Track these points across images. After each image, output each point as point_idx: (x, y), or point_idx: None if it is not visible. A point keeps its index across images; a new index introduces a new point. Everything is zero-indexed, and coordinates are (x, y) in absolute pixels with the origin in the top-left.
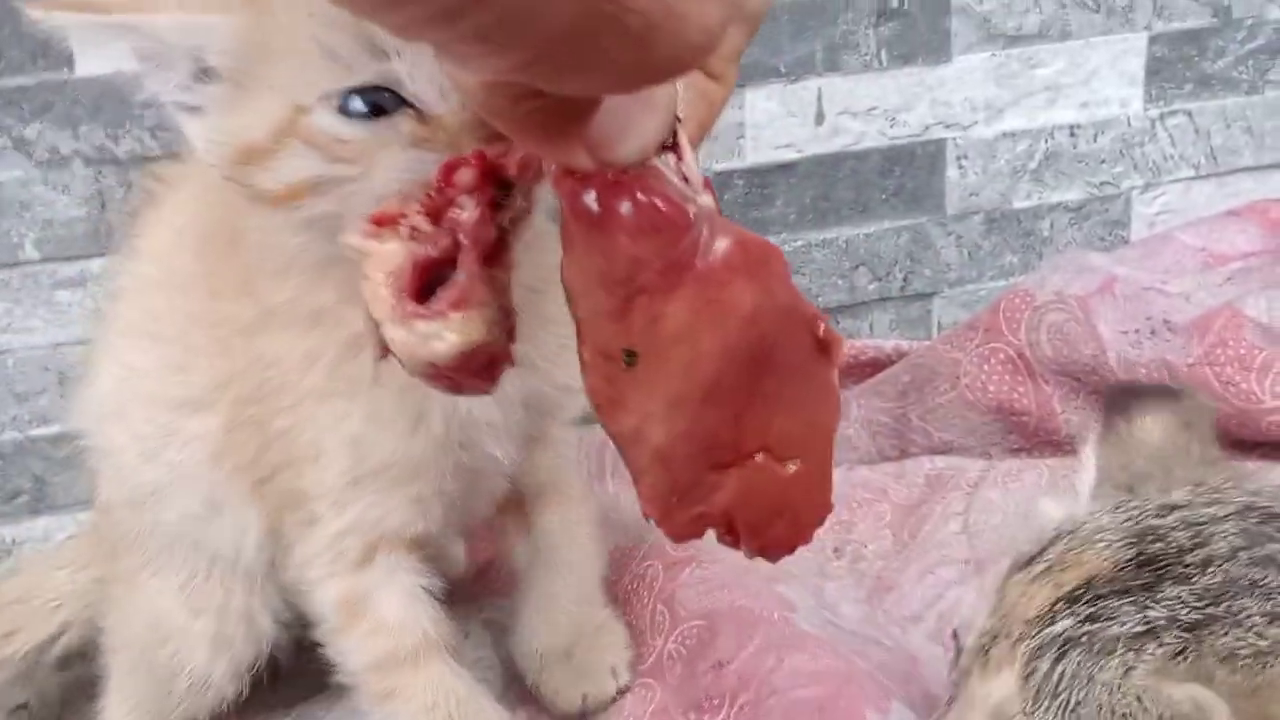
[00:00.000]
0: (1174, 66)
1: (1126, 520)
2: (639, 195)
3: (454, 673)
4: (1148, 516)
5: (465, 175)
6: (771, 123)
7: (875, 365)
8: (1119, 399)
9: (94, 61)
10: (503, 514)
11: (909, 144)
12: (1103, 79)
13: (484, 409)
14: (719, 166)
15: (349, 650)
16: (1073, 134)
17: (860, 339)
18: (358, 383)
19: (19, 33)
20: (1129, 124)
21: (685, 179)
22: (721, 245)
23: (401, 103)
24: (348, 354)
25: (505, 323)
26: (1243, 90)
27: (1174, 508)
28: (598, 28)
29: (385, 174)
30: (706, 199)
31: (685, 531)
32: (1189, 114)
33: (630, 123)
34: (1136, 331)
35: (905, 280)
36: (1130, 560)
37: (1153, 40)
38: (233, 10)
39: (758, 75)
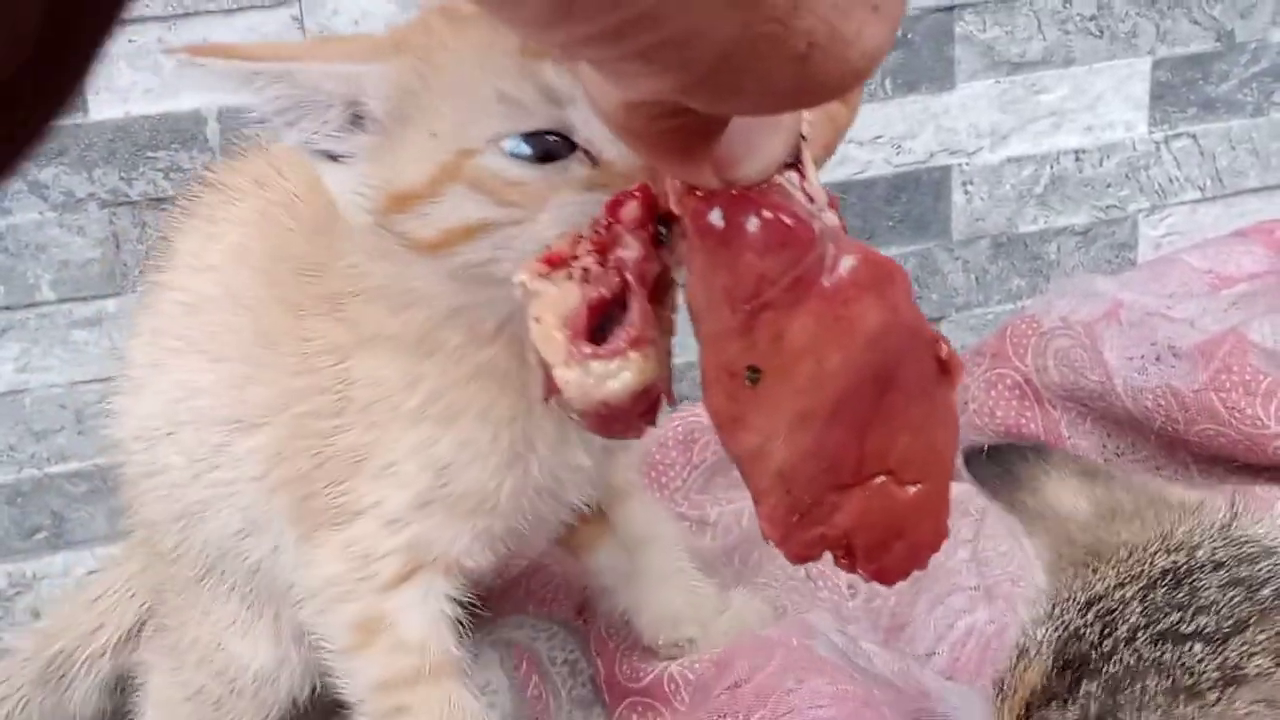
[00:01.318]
0: (1178, 90)
1: (1054, 630)
2: (764, 211)
3: (468, 692)
4: (1072, 620)
5: (631, 209)
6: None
7: None
8: (994, 480)
9: (108, 105)
10: (566, 543)
11: (914, 171)
12: (1107, 104)
13: (577, 456)
14: None
15: (358, 669)
16: (1078, 158)
17: None
18: (459, 413)
19: None
20: (1134, 147)
21: (810, 197)
22: (848, 262)
23: (573, 148)
24: (457, 386)
25: (668, 361)
26: (1247, 113)
27: (1093, 601)
28: (762, 49)
29: (555, 217)
30: (831, 217)
31: (805, 553)
32: (1194, 137)
33: (756, 142)
34: (1142, 358)
35: None
36: (1053, 669)
37: (1156, 65)
38: (386, 58)
39: None
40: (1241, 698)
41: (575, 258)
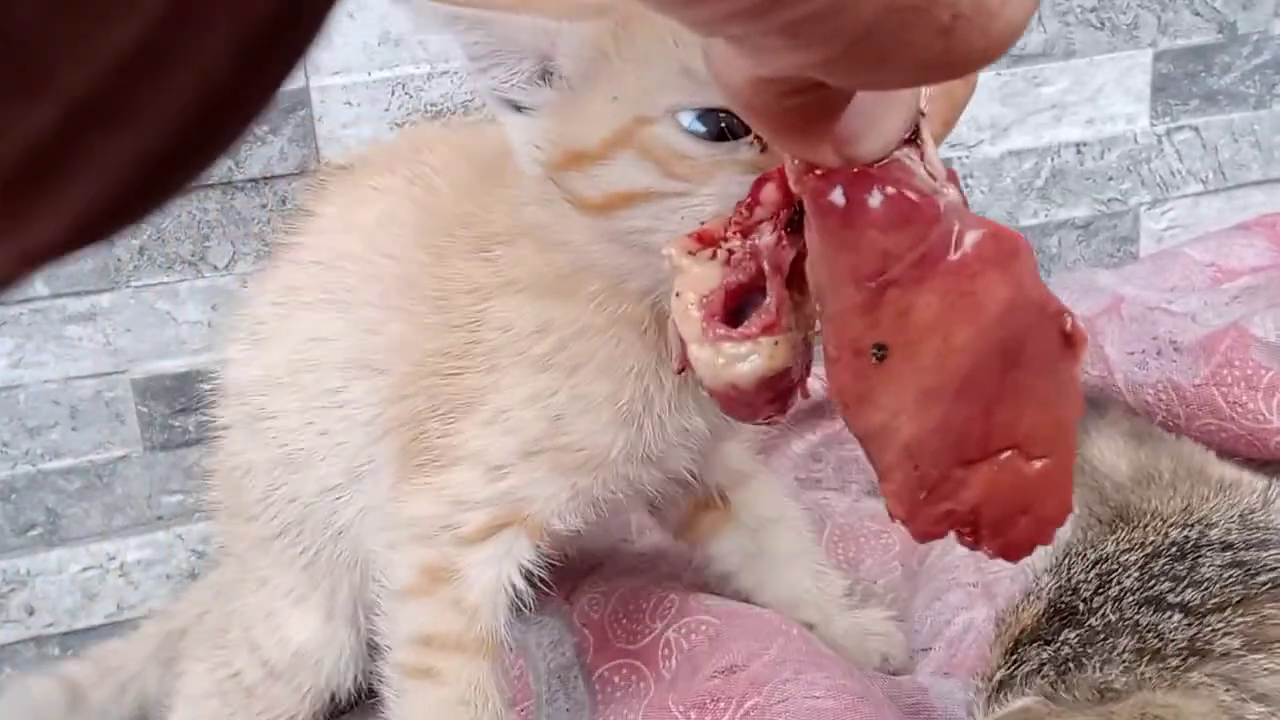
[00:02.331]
0: (1180, 83)
1: (1057, 578)
2: (887, 188)
3: (495, 681)
4: (1076, 572)
5: (769, 190)
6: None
7: None
8: None
9: None
10: (686, 534)
11: None
12: (1108, 96)
13: (694, 421)
14: None
15: (407, 615)
16: (1079, 151)
17: None
18: (582, 364)
19: None
20: (1136, 140)
21: (931, 174)
22: (972, 237)
23: (748, 130)
24: (585, 335)
25: (805, 354)
26: (1250, 105)
27: (1099, 561)
28: (907, 21)
29: (716, 194)
30: (953, 192)
31: (932, 530)
32: (1196, 129)
33: (875, 118)
34: (1143, 352)
35: None
36: (1044, 613)
37: (1158, 57)
38: (586, 18)
39: None
40: (1200, 669)
41: (725, 238)
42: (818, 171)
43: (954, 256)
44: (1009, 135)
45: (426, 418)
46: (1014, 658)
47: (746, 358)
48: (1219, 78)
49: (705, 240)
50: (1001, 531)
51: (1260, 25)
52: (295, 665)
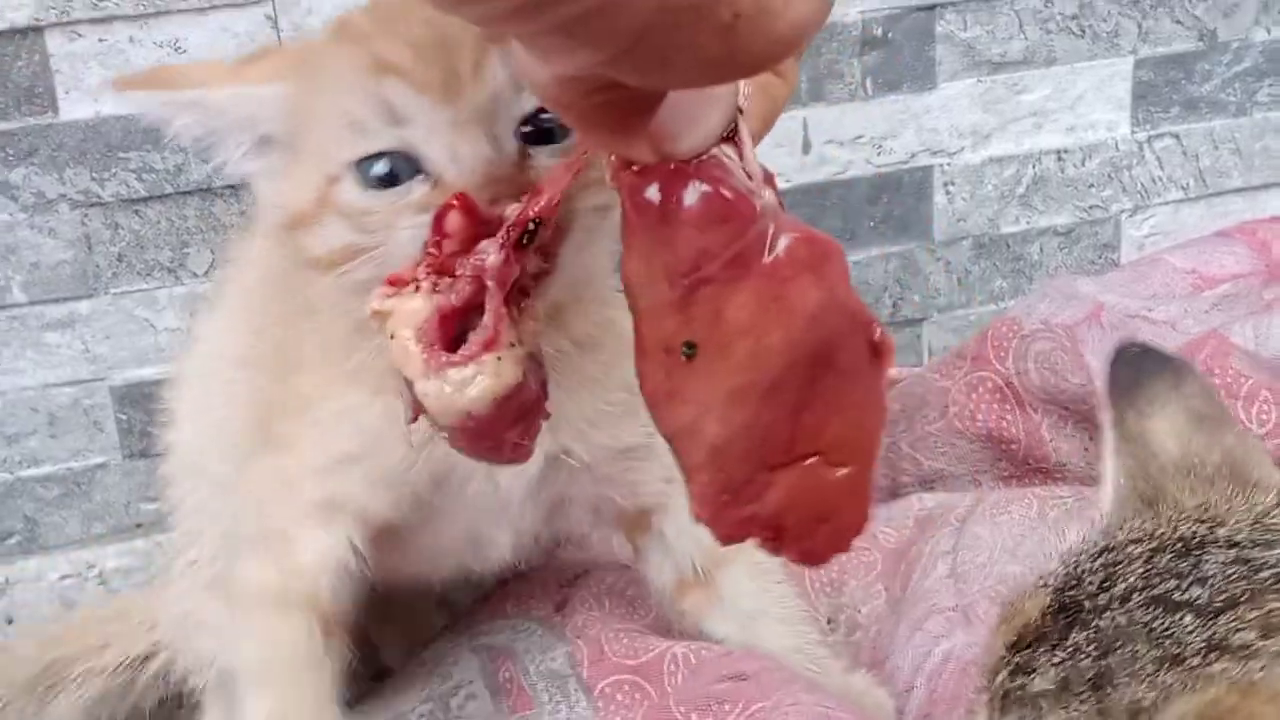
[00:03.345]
0: (1160, 90)
1: (1065, 566)
2: (703, 185)
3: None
4: (1082, 562)
5: (454, 220)
6: (759, 153)
7: None
8: (1122, 382)
9: (79, 105)
10: (675, 608)
11: (896, 171)
12: (1089, 104)
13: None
14: None
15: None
16: (1060, 158)
17: None
18: (385, 387)
19: (2, 78)
20: (1117, 148)
21: (748, 173)
22: (787, 239)
23: (418, 170)
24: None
25: (538, 372)
26: (1230, 112)
27: (1104, 550)
28: (686, 21)
29: (404, 239)
30: (770, 194)
31: (735, 532)
32: (1177, 136)
33: (692, 115)
34: None
35: (895, 306)
36: (1050, 607)
37: (1139, 64)
38: (285, 78)
39: None
40: (1219, 664)
41: (415, 279)
42: (634, 168)
43: (768, 258)
44: (990, 142)
45: (273, 405)
46: (1019, 660)
47: (474, 380)
48: (1199, 85)
49: (398, 284)
50: (802, 538)
51: (1240, 33)
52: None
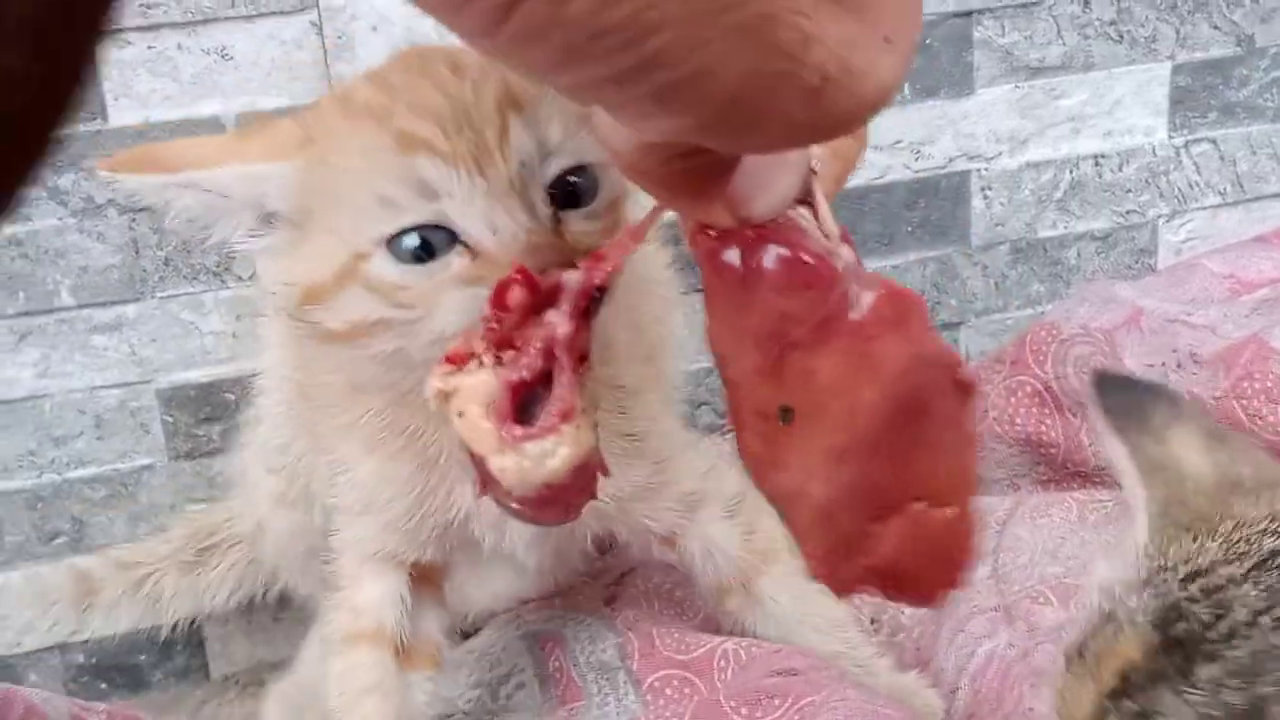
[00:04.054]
0: (1198, 95)
1: (1154, 598)
2: (782, 249)
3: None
4: (1173, 590)
5: (516, 294)
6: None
7: None
8: (1123, 412)
9: (127, 112)
10: (718, 605)
11: (934, 176)
12: (1126, 109)
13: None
14: None
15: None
16: (1097, 163)
17: None
18: (379, 444)
19: None
20: (1154, 153)
21: (825, 233)
22: (869, 297)
23: (454, 241)
24: (378, 418)
25: (597, 431)
26: (1268, 117)
27: (1196, 574)
28: (775, 86)
29: (445, 314)
30: (848, 252)
31: (852, 586)
32: (1214, 141)
33: (767, 179)
34: (1163, 364)
35: (932, 311)
36: (1159, 644)
37: (1176, 70)
38: (291, 156)
39: None
40: None
41: (474, 354)
42: (712, 232)
43: (853, 317)
44: (1027, 147)
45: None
46: (1137, 706)
47: (555, 451)
48: (1237, 90)
49: (458, 360)
50: (917, 582)
51: (1278, 38)
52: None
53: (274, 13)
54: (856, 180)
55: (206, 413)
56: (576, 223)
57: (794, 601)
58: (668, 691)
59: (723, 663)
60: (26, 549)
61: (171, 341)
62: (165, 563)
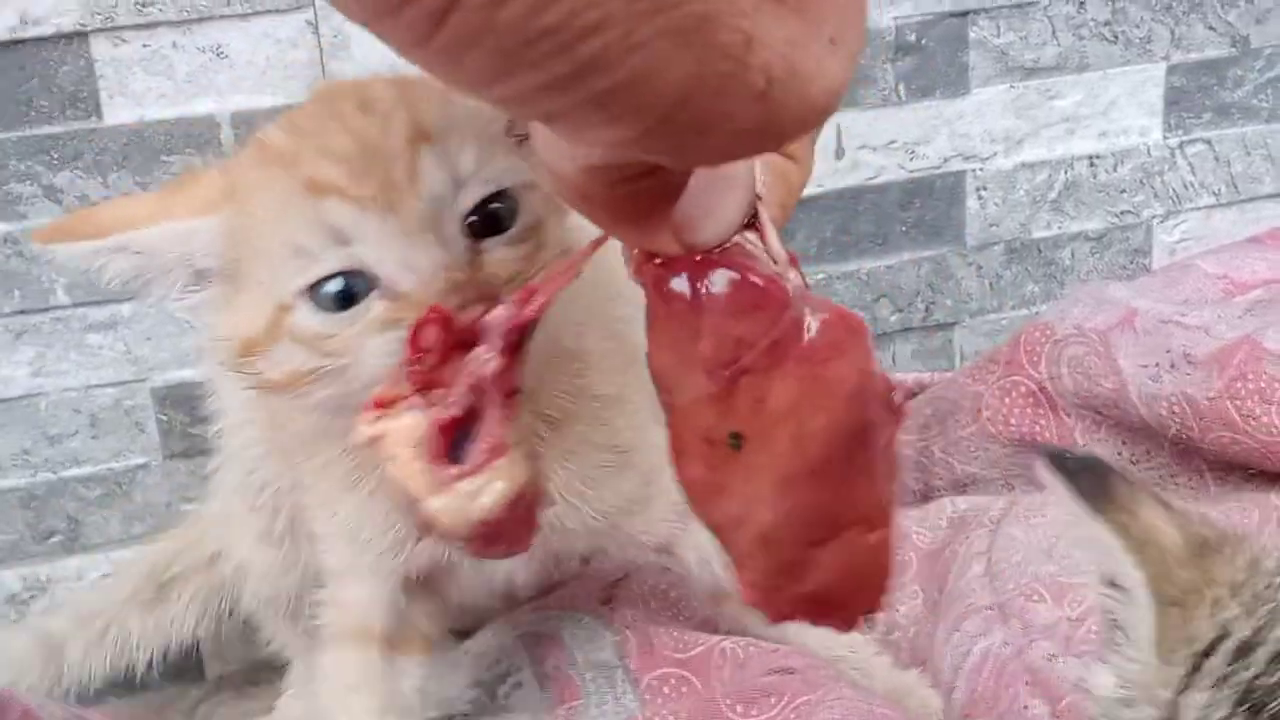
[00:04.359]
0: (1193, 96)
1: (1227, 690)
2: (732, 273)
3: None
4: (1237, 670)
5: (431, 334)
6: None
7: None
8: (1089, 492)
9: (122, 110)
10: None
11: (928, 176)
12: (1121, 109)
13: None
14: None
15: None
16: (1092, 164)
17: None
18: (356, 482)
19: (48, 82)
20: (1149, 153)
21: (773, 257)
22: (819, 321)
23: (374, 285)
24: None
25: (536, 463)
26: (1263, 118)
27: (1251, 647)
28: (718, 88)
29: (369, 360)
30: (796, 276)
31: (788, 613)
32: (1209, 142)
33: (712, 203)
34: (1157, 365)
35: (926, 311)
36: None
37: (1171, 70)
38: (216, 210)
39: None
40: None
41: (402, 396)
42: (658, 260)
43: (805, 341)
44: (1022, 148)
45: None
46: None
47: (487, 487)
48: (1232, 91)
49: (385, 404)
50: (845, 605)
51: (1273, 39)
52: None
53: (270, 11)
54: (852, 180)
55: (202, 412)
56: (498, 250)
57: None
58: (665, 690)
59: (719, 660)
60: (21, 548)
61: (166, 340)
62: (126, 606)
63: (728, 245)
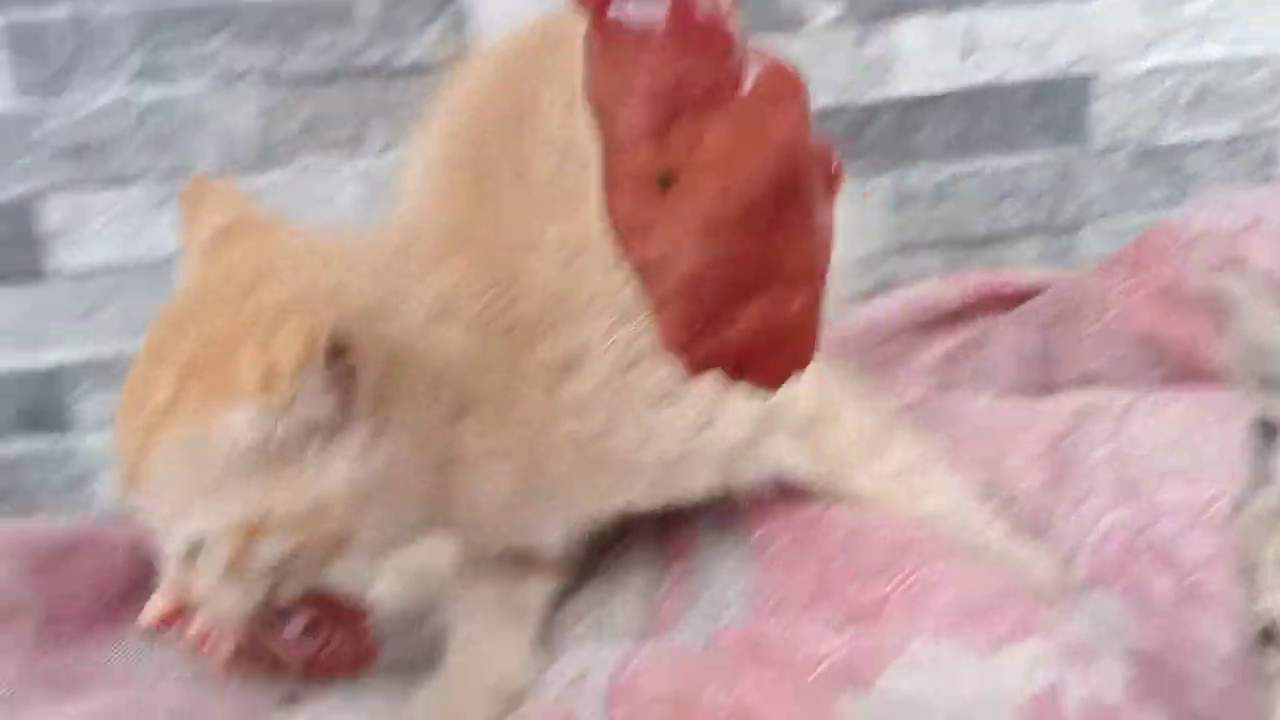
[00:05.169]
0: None
1: None
2: (679, 6)
3: None
4: None
5: None
6: (919, 55)
7: (1019, 297)
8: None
9: None
10: None
11: (1057, 78)
12: (1254, 16)
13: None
14: (865, 98)
15: None
16: (1222, 71)
17: (1006, 270)
18: None
19: None
20: (1279, 62)
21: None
22: (759, 69)
23: None
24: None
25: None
26: None
27: None
28: None
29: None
30: (736, 23)
31: (703, 363)
32: None
33: None
34: None
35: (1051, 213)
36: None
37: None
38: None
39: (907, 7)
40: None
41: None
42: None
43: (745, 87)
44: (1152, 52)
45: None
46: None
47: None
48: None
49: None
50: (760, 368)
51: None
52: None
53: None
54: (978, 79)
55: None
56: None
57: (900, 482)
58: (782, 554)
59: (831, 530)
60: None
61: (308, 208)
62: None
63: None
